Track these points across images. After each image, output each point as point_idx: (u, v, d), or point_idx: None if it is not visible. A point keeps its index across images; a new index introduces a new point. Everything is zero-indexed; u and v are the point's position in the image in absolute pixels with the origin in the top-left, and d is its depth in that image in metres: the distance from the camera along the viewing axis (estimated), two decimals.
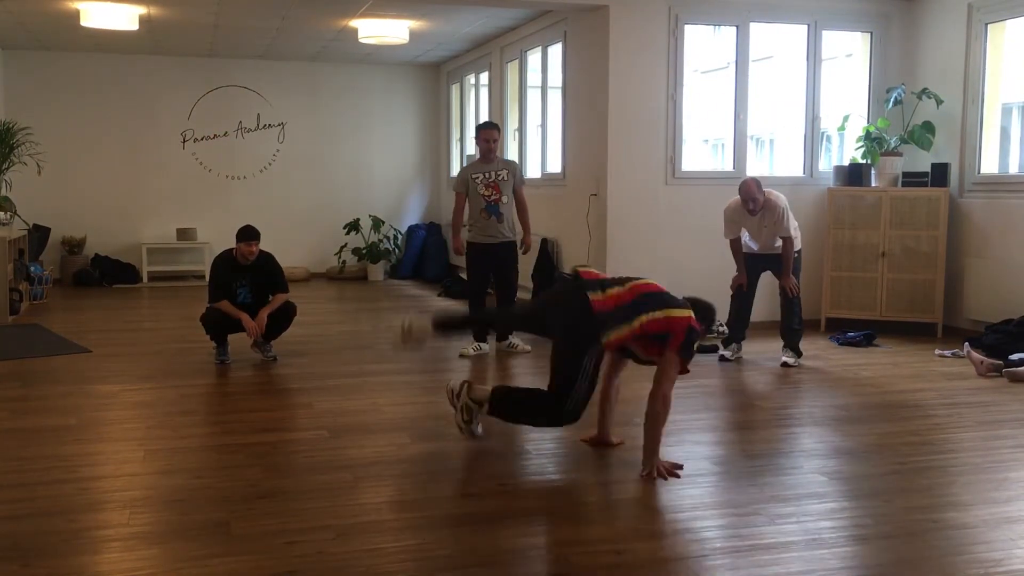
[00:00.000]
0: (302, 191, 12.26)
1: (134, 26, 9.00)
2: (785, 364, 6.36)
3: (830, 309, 7.82)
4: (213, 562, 3.01)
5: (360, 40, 9.84)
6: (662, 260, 7.42)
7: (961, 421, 4.94)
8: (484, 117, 10.74)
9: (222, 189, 12.01)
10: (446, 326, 5.13)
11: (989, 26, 7.39)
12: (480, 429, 4.46)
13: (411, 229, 12.51)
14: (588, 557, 3.10)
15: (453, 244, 7.18)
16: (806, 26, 8.05)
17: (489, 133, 6.88)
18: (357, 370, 6.20)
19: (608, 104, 7.53)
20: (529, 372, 6.19)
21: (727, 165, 8.31)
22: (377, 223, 12.20)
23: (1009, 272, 7.14)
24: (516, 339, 6.90)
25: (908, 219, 7.56)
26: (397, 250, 12.54)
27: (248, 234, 6.29)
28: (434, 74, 12.71)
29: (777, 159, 16.04)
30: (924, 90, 7.69)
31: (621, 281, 4.15)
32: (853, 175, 7.87)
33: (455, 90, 12.15)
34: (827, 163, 8.52)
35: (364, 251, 12.08)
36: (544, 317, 4.44)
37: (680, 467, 3.99)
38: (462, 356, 6.64)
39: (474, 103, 11.52)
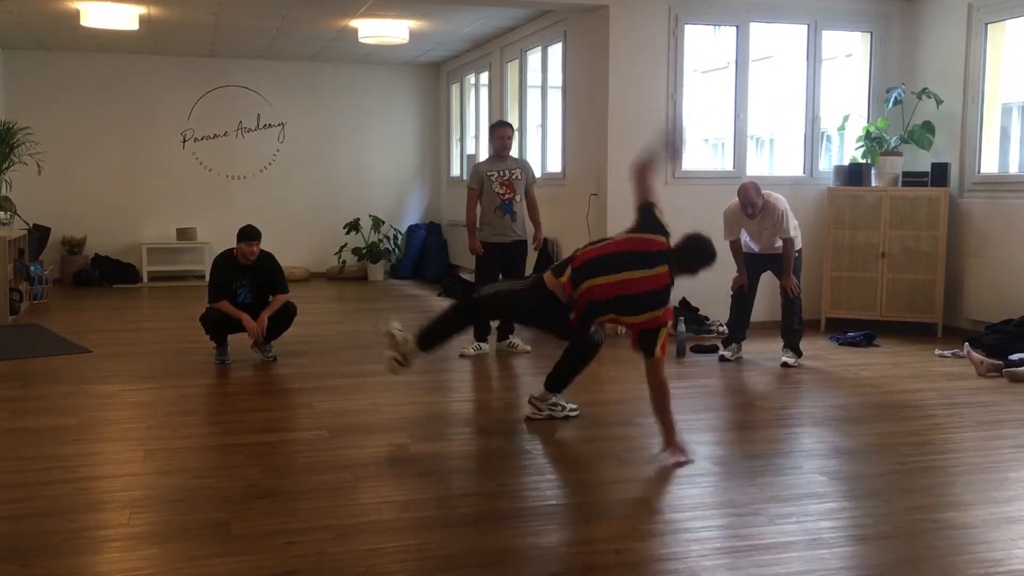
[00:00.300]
0: (302, 191, 12.26)
1: (134, 26, 9.01)
2: (785, 364, 6.35)
3: (830, 309, 7.82)
4: (213, 562, 3.01)
5: (360, 40, 9.85)
6: None
7: (961, 421, 4.94)
8: (484, 117, 10.78)
9: (222, 189, 12.01)
10: (432, 338, 4.71)
11: (989, 26, 7.39)
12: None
13: (411, 229, 12.52)
14: (588, 557, 3.10)
15: (470, 244, 6.86)
16: (806, 26, 8.05)
17: (504, 131, 6.89)
18: (357, 370, 6.20)
19: (608, 104, 7.54)
20: (529, 372, 6.18)
21: (727, 165, 8.31)
22: (377, 223, 12.20)
23: (1009, 272, 7.14)
24: (516, 339, 6.90)
25: (908, 219, 7.56)
26: (397, 250, 12.55)
27: (249, 234, 6.29)
28: (434, 74, 12.71)
29: (777, 159, 16.01)
30: (924, 90, 7.69)
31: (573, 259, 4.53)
32: (853, 175, 7.87)
33: (455, 90, 12.16)
34: (827, 163, 8.52)
35: (364, 251, 12.08)
36: (521, 305, 4.73)
37: (689, 461, 4.10)
38: (462, 356, 6.64)
39: (474, 103, 11.53)
